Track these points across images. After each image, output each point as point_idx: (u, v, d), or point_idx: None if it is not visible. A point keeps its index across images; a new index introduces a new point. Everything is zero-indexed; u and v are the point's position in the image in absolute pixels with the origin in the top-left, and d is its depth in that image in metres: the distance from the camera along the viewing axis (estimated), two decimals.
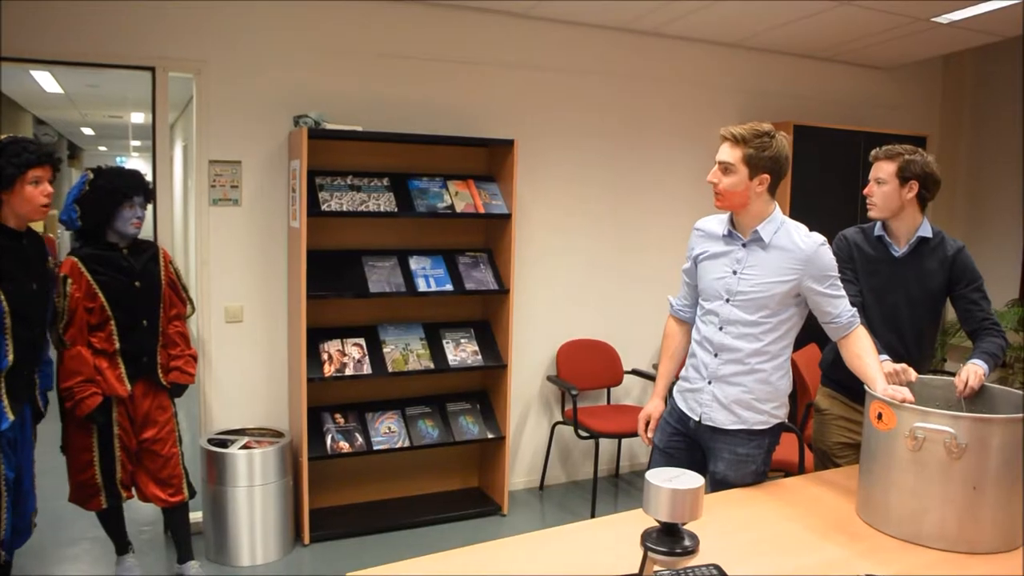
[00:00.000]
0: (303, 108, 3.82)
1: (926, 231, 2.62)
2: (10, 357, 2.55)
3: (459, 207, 3.99)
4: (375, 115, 4.00)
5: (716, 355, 2.34)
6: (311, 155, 3.69)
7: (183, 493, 3.25)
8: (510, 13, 4.23)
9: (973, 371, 2.33)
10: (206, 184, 3.76)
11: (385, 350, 3.96)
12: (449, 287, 4.00)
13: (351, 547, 3.79)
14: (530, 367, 4.56)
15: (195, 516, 3.56)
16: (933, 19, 4.15)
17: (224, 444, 3.63)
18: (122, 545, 3.33)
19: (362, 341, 3.94)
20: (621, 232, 4.75)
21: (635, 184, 4.75)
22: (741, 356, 2.29)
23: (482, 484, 4.45)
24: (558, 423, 4.60)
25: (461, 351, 4.10)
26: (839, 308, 2.27)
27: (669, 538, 1.48)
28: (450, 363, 4.04)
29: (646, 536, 1.50)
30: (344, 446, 3.84)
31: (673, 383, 2.59)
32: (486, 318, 4.32)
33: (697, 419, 2.38)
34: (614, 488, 4.75)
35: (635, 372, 4.76)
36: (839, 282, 2.29)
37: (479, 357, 4.12)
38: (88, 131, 11.78)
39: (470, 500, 4.31)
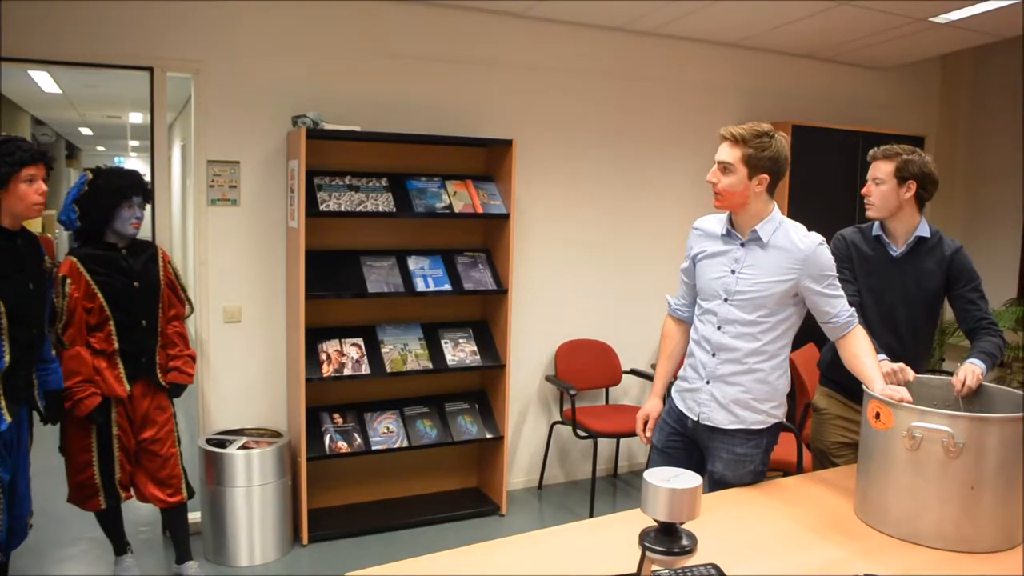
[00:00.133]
0: (301, 108, 3.82)
1: (924, 231, 2.62)
2: (7, 358, 2.54)
3: (457, 207, 4.00)
4: (373, 115, 4.00)
5: (714, 355, 2.34)
6: (309, 155, 3.69)
7: (182, 493, 3.25)
8: (509, 13, 4.23)
9: (971, 370, 2.33)
10: (204, 184, 3.76)
11: (383, 350, 3.96)
12: (447, 287, 4.00)
13: (349, 547, 3.79)
14: (528, 367, 4.56)
15: (193, 516, 3.56)
16: (931, 19, 4.15)
17: (223, 444, 3.63)
18: (120, 545, 3.33)
19: (360, 341, 3.94)
20: (620, 232, 4.75)
21: (634, 183, 4.75)
22: (739, 356, 2.30)
23: (480, 484, 4.45)
24: (556, 423, 4.60)
25: (459, 351, 4.10)
26: (837, 308, 2.28)
27: (667, 538, 1.48)
28: (448, 363, 4.04)
29: (644, 536, 1.50)
30: (342, 446, 3.84)
31: (671, 383, 2.59)
32: (484, 318, 4.32)
33: (695, 419, 2.39)
34: (612, 488, 4.75)
35: (633, 372, 4.76)
36: (837, 282, 2.30)
37: (477, 357, 4.12)
38: (86, 131, 11.78)
39: (468, 500, 4.31)
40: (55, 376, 2.86)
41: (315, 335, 3.84)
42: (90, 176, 3.09)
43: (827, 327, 2.32)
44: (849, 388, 2.56)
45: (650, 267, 4.81)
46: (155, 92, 3.64)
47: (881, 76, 5.47)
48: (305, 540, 3.79)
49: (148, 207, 3.27)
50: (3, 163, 2.54)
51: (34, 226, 2.97)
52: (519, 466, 4.64)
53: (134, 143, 12.65)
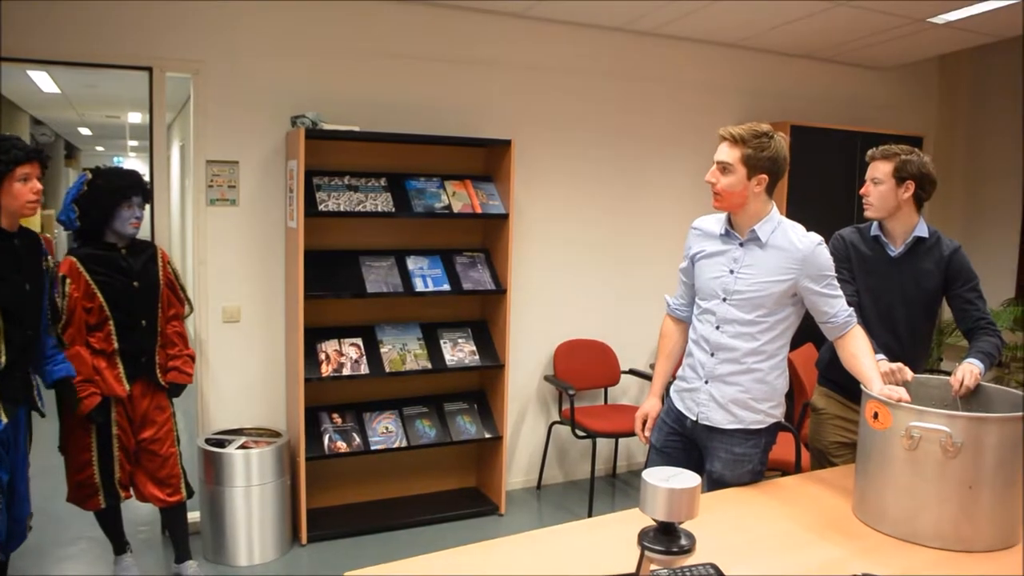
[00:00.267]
0: (300, 108, 3.82)
1: (922, 231, 2.63)
2: (2, 359, 2.53)
3: (456, 207, 4.00)
4: (372, 115, 4.00)
5: (713, 354, 2.34)
6: (308, 155, 3.69)
7: (181, 493, 3.25)
8: (508, 13, 4.23)
9: (969, 370, 2.34)
10: (203, 184, 3.76)
11: (382, 350, 3.96)
12: (446, 287, 4.00)
13: (348, 547, 3.80)
14: (527, 367, 4.57)
15: (193, 516, 3.56)
16: (929, 20, 4.16)
17: (222, 444, 3.63)
18: (120, 545, 3.33)
19: (359, 341, 3.94)
20: (619, 232, 4.75)
21: (633, 184, 4.76)
22: (738, 355, 2.30)
23: (479, 484, 4.46)
24: (555, 423, 4.60)
25: (458, 351, 4.11)
26: (836, 308, 2.28)
27: (666, 537, 1.48)
28: (447, 363, 4.04)
29: (643, 535, 1.50)
30: (341, 446, 3.84)
31: (670, 382, 2.60)
32: (483, 318, 4.32)
33: (694, 419, 2.39)
34: (611, 488, 4.75)
35: (632, 372, 4.76)
36: (836, 282, 2.30)
37: (476, 357, 4.12)
38: (85, 131, 11.76)
39: (467, 500, 4.31)
40: (64, 366, 2.85)
41: (314, 335, 3.84)
42: (89, 176, 3.09)
43: (826, 327, 2.32)
44: (847, 388, 2.57)
45: (649, 267, 4.81)
46: (154, 92, 3.64)
47: (880, 76, 5.48)
48: (304, 540, 3.79)
49: (147, 207, 3.28)
50: None
51: (33, 226, 2.96)
52: (518, 466, 4.64)
53: (133, 143, 12.64)
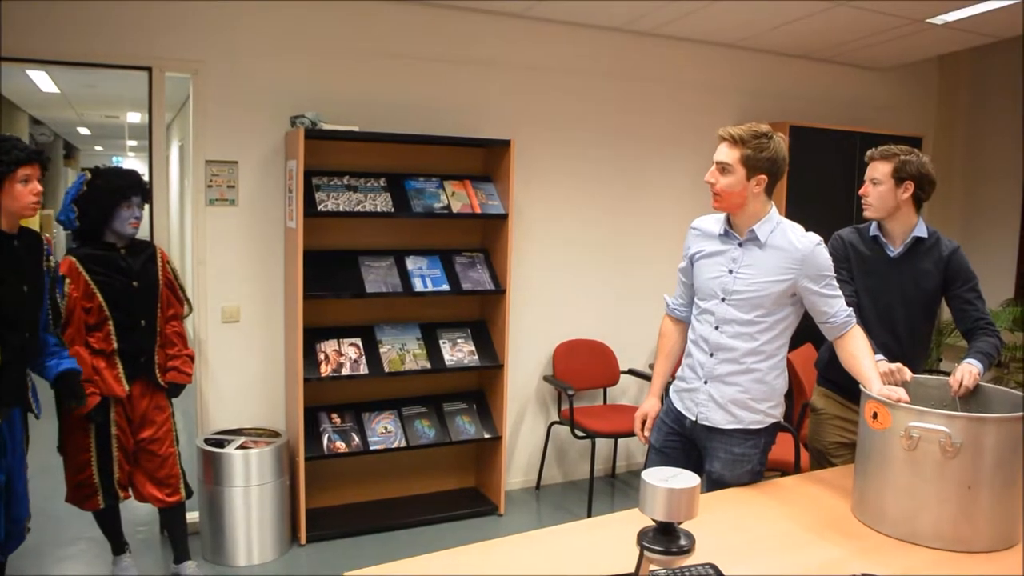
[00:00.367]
0: (300, 108, 3.82)
1: (921, 231, 2.63)
2: None
3: (456, 207, 4.00)
4: (372, 115, 4.00)
5: (712, 355, 2.34)
6: (308, 155, 3.69)
7: (180, 493, 3.25)
8: (508, 13, 4.23)
9: (968, 371, 2.34)
10: (203, 184, 3.76)
11: (382, 350, 3.96)
12: (446, 287, 4.00)
13: (347, 547, 3.79)
14: (526, 367, 4.57)
15: (192, 516, 3.56)
16: (928, 20, 4.16)
17: (221, 444, 3.62)
18: (118, 545, 3.33)
19: (359, 341, 3.94)
20: (618, 232, 4.75)
21: (632, 184, 4.76)
22: (737, 356, 2.30)
23: (478, 484, 4.45)
24: (554, 423, 4.60)
25: (458, 351, 4.11)
26: (835, 308, 2.28)
27: (665, 537, 1.48)
28: (447, 363, 4.04)
29: (642, 535, 1.50)
30: (340, 446, 3.84)
31: (669, 382, 2.60)
32: (483, 318, 4.32)
33: (693, 419, 2.39)
34: (610, 488, 4.75)
35: (631, 372, 4.76)
36: (835, 282, 2.30)
37: (476, 357, 4.12)
38: (84, 131, 11.75)
39: (466, 500, 4.31)
40: (69, 360, 2.83)
41: (313, 335, 3.84)
42: (89, 176, 3.09)
43: (825, 327, 2.32)
44: (847, 388, 2.56)
45: (649, 267, 4.81)
46: (153, 92, 3.64)
47: (879, 77, 5.48)
48: (303, 540, 3.79)
49: (147, 207, 3.28)
50: None
51: (32, 226, 2.95)
52: (517, 466, 4.64)
53: (132, 143, 12.62)
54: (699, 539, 1.52)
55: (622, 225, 4.76)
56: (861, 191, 2.66)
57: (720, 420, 2.34)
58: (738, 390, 2.31)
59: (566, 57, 4.46)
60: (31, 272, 2.69)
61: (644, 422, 2.55)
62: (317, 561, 3.66)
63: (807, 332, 2.47)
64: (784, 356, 2.36)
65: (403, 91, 4.09)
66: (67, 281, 2.96)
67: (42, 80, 6.66)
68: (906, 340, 2.65)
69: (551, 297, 4.59)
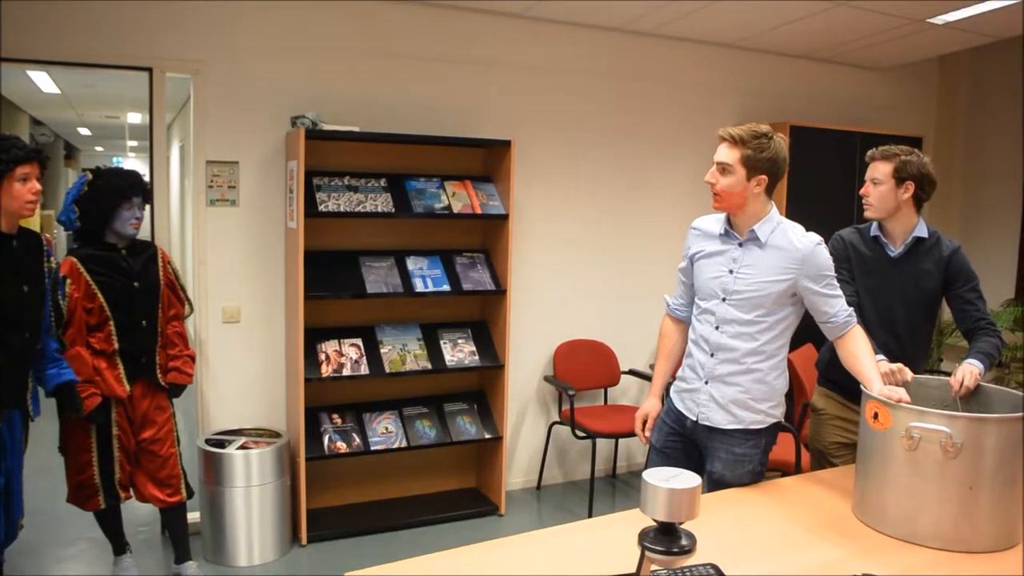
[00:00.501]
0: (300, 108, 3.82)
1: (922, 231, 2.63)
2: None
3: (456, 208, 4.00)
4: (372, 116, 4.00)
5: (712, 355, 2.34)
6: (308, 156, 3.69)
7: (181, 493, 3.25)
8: (508, 13, 4.23)
9: (969, 371, 2.34)
10: (203, 184, 3.76)
11: (382, 350, 3.96)
12: (446, 287, 4.00)
13: (348, 547, 3.80)
14: (527, 367, 4.57)
15: (193, 516, 3.56)
16: (928, 20, 4.16)
17: (222, 444, 3.63)
18: (119, 545, 3.33)
19: (359, 341, 3.94)
20: (618, 232, 4.75)
21: (633, 184, 4.76)
22: (737, 356, 2.30)
23: (479, 484, 4.46)
24: (555, 423, 4.60)
25: (458, 351, 4.11)
26: (835, 308, 2.28)
27: (666, 537, 1.48)
28: (447, 363, 4.04)
29: (643, 536, 1.50)
30: (341, 446, 3.84)
31: (670, 383, 2.60)
32: (483, 318, 4.32)
33: (694, 419, 2.39)
34: (611, 488, 4.75)
35: (632, 372, 4.76)
36: (836, 282, 2.30)
37: (476, 357, 4.12)
38: (85, 131, 11.76)
39: (467, 500, 4.31)
40: (67, 371, 2.84)
41: (314, 335, 3.84)
42: (89, 176, 3.09)
43: (825, 327, 2.32)
44: (847, 388, 2.57)
45: (649, 267, 4.81)
46: (154, 92, 3.64)
47: (879, 77, 5.48)
48: (304, 540, 3.79)
49: (147, 207, 3.27)
50: None
51: (32, 226, 2.95)
52: (518, 466, 4.64)
53: (132, 143, 12.63)
54: (700, 539, 1.52)
55: (622, 225, 4.76)
56: (862, 191, 2.66)
57: (721, 420, 2.34)
58: (739, 390, 2.31)
59: (566, 57, 4.46)
60: (31, 272, 2.68)
61: (645, 422, 2.55)
62: (318, 561, 3.66)
63: (807, 332, 2.47)
64: (785, 356, 2.36)
65: (403, 91, 4.10)
66: (68, 282, 2.96)
67: (42, 80, 6.67)
68: (906, 340, 2.65)
69: (551, 297, 4.60)
